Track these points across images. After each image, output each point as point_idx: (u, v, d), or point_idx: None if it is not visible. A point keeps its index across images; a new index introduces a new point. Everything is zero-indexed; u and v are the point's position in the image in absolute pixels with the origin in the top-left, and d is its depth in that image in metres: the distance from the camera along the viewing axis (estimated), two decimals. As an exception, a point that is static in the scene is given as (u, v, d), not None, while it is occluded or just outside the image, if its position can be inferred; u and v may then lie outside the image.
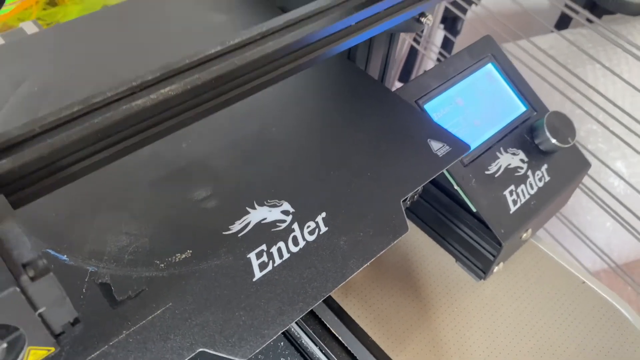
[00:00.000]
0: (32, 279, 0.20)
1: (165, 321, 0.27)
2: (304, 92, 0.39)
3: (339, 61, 0.43)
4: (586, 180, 0.78)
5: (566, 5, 0.78)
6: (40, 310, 0.21)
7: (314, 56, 0.32)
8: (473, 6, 0.90)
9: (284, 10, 0.48)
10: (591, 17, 0.72)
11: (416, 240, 0.48)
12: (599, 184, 0.76)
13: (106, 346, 0.26)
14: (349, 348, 0.31)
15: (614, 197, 0.74)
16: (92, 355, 0.26)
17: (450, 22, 0.97)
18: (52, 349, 0.23)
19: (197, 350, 0.26)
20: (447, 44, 1.03)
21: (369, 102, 0.39)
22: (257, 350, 0.27)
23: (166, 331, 0.27)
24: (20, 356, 0.22)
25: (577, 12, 0.73)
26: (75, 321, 0.23)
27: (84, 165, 0.25)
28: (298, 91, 0.39)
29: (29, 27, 0.45)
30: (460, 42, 1.02)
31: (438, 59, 1.03)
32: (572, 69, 0.82)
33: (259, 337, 0.27)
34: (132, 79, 0.26)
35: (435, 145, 0.36)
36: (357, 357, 0.31)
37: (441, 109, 0.42)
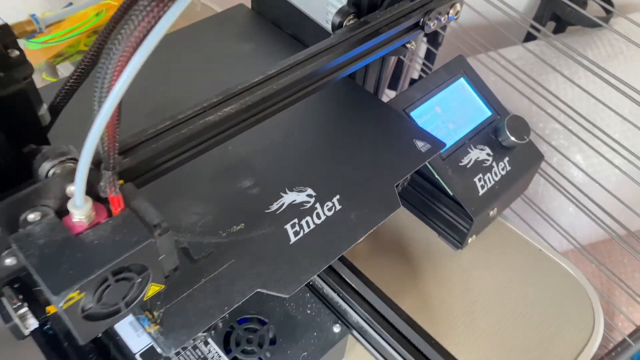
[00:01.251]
0: (159, 235, 0.30)
1: (231, 272, 0.37)
2: (317, 105, 0.49)
3: (342, 80, 0.53)
4: (551, 171, 0.89)
5: (531, 26, 0.88)
6: (161, 257, 0.31)
7: (327, 80, 0.43)
8: (452, 23, 1.01)
9: (293, 36, 0.59)
10: (549, 33, 0.83)
11: (406, 219, 0.58)
12: (562, 175, 0.86)
13: (191, 289, 0.36)
14: (360, 292, 0.41)
15: (574, 185, 0.85)
16: (182, 295, 0.36)
17: (432, 37, 1.08)
18: (162, 287, 0.33)
19: (255, 290, 0.36)
20: (429, 55, 1.13)
21: (367, 111, 0.49)
22: (297, 290, 0.37)
23: (232, 279, 0.36)
24: (145, 288, 0.31)
25: (538, 31, 0.84)
26: (176, 268, 0.33)
27: (175, 162, 0.35)
28: (313, 104, 0.49)
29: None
30: (441, 53, 1.13)
31: (422, 69, 1.14)
32: (537, 77, 0.92)
33: (297, 281, 0.37)
34: (203, 101, 0.36)
35: (419, 143, 0.46)
36: (367, 299, 0.40)
37: (424, 115, 0.52)
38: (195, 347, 0.41)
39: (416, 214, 0.59)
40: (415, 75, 1.20)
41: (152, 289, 0.32)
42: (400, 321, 0.39)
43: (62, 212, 0.30)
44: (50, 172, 0.29)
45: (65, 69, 0.76)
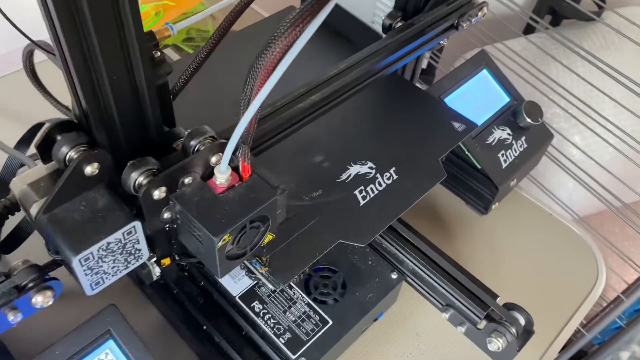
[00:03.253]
0: (280, 194, 0.38)
1: (317, 227, 0.45)
2: (369, 94, 0.58)
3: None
4: (553, 151, 0.98)
5: (530, 18, 0.97)
6: (278, 211, 0.39)
7: (381, 75, 0.51)
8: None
9: (337, 32, 0.67)
10: (547, 25, 0.92)
11: (439, 191, 0.67)
12: (562, 154, 0.96)
13: (289, 239, 0.44)
14: (415, 244, 0.50)
15: (573, 163, 0.94)
16: (282, 245, 0.44)
17: (442, 30, 1.16)
18: (273, 236, 0.41)
19: (337, 242, 0.45)
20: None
21: (409, 98, 0.58)
22: (370, 240, 0.46)
23: (318, 232, 0.45)
24: (264, 236, 0.40)
25: (537, 23, 0.93)
26: (282, 222, 0.42)
27: (278, 138, 0.44)
28: (366, 93, 0.58)
29: (171, 54, 0.62)
30: (448, 44, 1.21)
31: (431, 57, 1.22)
32: (540, 66, 1.01)
33: (369, 235, 0.46)
34: (294, 91, 0.45)
35: (456, 124, 0.55)
36: (419, 248, 0.50)
37: (455, 101, 0.61)
38: (282, 291, 0.50)
39: (446, 185, 0.68)
40: (424, 65, 1.29)
41: (268, 237, 0.41)
42: (448, 265, 0.48)
43: (205, 177, 0.38)
44: (197, 148, 0.38)
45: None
